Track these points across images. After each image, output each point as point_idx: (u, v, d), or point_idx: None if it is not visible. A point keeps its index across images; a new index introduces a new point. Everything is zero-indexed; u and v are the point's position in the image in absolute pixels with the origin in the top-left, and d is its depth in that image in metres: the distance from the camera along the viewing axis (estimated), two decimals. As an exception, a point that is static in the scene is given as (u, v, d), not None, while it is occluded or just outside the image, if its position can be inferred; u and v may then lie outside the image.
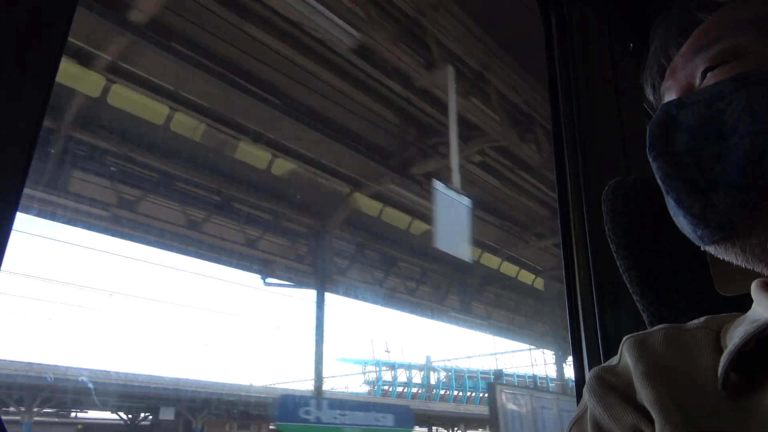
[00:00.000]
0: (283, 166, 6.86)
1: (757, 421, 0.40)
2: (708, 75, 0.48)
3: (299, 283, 10.43)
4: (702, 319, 0.50)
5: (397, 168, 7.48)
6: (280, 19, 4.99)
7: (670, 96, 0.53)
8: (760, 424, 0.40)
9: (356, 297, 11.19)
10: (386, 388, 20.23)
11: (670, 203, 0.46)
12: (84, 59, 5.24)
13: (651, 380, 0.45)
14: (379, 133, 6.82)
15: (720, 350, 0.45)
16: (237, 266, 9.47)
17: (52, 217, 6.66)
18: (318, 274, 9.62)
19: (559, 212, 1.05)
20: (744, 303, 0.50)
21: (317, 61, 5.55)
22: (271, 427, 12.28)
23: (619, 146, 1.05)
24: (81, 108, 5.76)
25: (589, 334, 0.91)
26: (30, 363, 9.15)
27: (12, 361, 9.01)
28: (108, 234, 7.68)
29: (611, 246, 0.66)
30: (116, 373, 9.74)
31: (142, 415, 10.98)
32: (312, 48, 5.35)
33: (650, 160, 0.46)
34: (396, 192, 7.88)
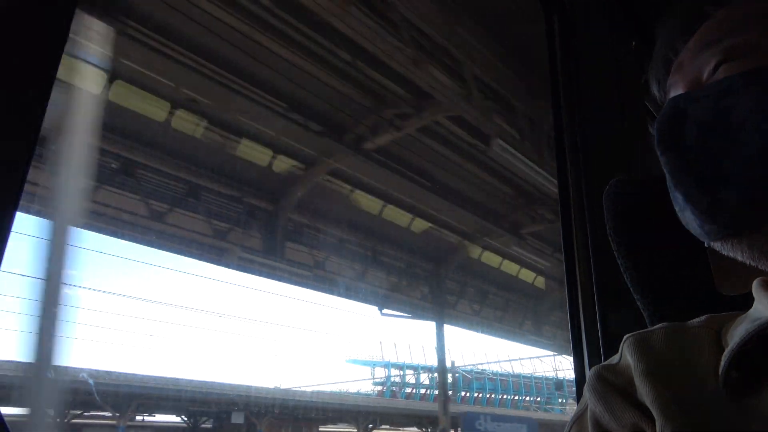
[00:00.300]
0: (419, 225, 9.81)
1: (759, 419, 0.40)
2: (718, 70, 0.47)
3: (416, 315, 13.59)
4: (703, 317, 0.50)
5: (508, 227, 9.82)
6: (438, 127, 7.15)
7: (676, 91, 0.52)
8: (761, 423, 0.39)
9: (461, 326, 14.31)
10: (395, 389, 20.83)
11: (677, 198, 0.45)
12: (309, 163, 7.84)
13: (652, 379, 0.45)
14: (497, 202, 9.26)
15: (721, 349, 0.45)
16: (360, 300, 12.62)
17: (271, 275, 9.63)
18: (436, 307, 12.50)
19: (560, 211, 1.05)
20: (745, 302, 0.49)
21: (463, 156, 7.73)
22: (320, 429, 14.72)
23: (620, 145, 1.05)
24: (302, 198, 8.55)
25: (589, 333, 0.91)
26: (129, 374, 10.60)
27: (119, 373, 10.52)
28: (305, 287, 10.89)
29: (612, 245, 0.66)
30: (198, 381, 11.48)
31: (204, 418, 12.54)
32: (462, 148, 7.58)
33: (659, 153, 0.45)
34: (511, 248, 10.68)
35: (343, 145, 7.24)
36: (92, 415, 11.21)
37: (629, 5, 1.16)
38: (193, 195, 8.01)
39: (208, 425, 12.46)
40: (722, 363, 0.43)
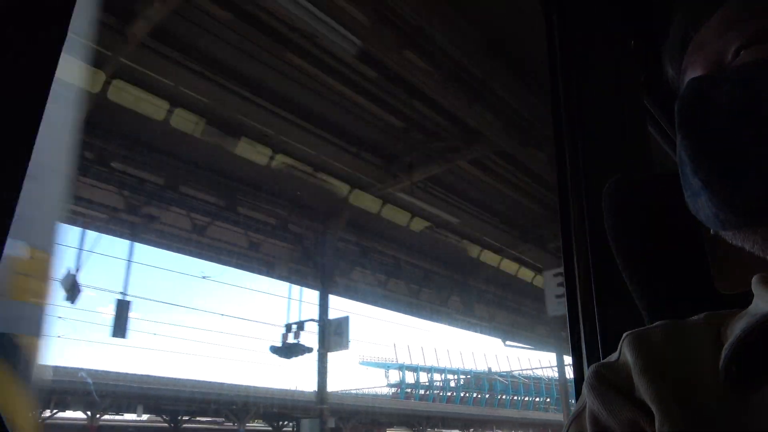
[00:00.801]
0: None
1: (759, 413, 0.40)
2: (742, 53, 0.45)
3: (536, 347, 17.12)
4: (702, 314, 0.50)
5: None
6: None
7: (694, 71, 0.50)
8: (762, 418, 0.39)
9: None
10: (409, 390, 21.84)
11: (693, 184, 0.44)
12: (460, 234, 11.02)
13: (650, 375, 0.45)
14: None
15: (720, 345, 0.45)
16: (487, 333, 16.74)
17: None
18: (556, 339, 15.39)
19: (559, 210, 1.05)
20: (744, 301, 0.49)
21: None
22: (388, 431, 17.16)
23: (619, 144, 1.05)
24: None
25: (588, 332, 0.91)
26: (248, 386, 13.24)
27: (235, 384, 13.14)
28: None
29: (611, 244, 0.66)
30: (299, 391, 14.29)
31: (285, 422, 14.82)
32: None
33: (679, 136, 0.44)
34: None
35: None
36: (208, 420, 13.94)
37: (629, 5, 1.16)
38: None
39: (288, 429, 14.69)
40: (722, 357, 0.42)
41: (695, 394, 0.43)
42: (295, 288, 11.74)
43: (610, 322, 0.88)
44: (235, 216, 9.33)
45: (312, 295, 11.29)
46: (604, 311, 0.89)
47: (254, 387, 12.86)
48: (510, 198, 9.35)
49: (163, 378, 11.71)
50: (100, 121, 6.80)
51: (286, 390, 13.21)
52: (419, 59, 6.05)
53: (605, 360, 0.52)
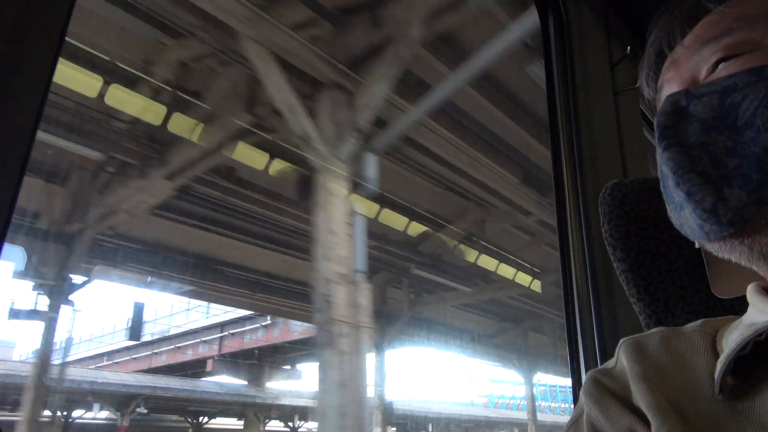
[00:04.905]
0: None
1: (753, 424, 0.40)
2: (719, 67, 0.46)
3: None
4: (698, 322, 0.50)
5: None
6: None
7: (671, 88, 0.50)
8: (755, 428, 0.40)
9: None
10: (496, 400, 26.06)
11: (675, 197, 0.44)
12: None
13: (647, 383, 0.45)
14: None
15: (716, 353, 0.45)
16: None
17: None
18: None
19: (556, 214, 1.05)
20: (740, 306, 0.50)
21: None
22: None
23: (616, 148, 1.05)
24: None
25: (585, 336, 0.91)
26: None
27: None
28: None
29: (608, 248, 0.66)
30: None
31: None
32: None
33: (660, 150, 0.44)
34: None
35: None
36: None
37: (625, 9, 1.16)
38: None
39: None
40: (718, 369, 0.43)
41: (690, 403, 0.43)
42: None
43: (608, 328, 0.88)
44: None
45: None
46: (600, 315, 0.89)
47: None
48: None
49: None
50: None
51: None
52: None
53: (602, 366, 0.52)
